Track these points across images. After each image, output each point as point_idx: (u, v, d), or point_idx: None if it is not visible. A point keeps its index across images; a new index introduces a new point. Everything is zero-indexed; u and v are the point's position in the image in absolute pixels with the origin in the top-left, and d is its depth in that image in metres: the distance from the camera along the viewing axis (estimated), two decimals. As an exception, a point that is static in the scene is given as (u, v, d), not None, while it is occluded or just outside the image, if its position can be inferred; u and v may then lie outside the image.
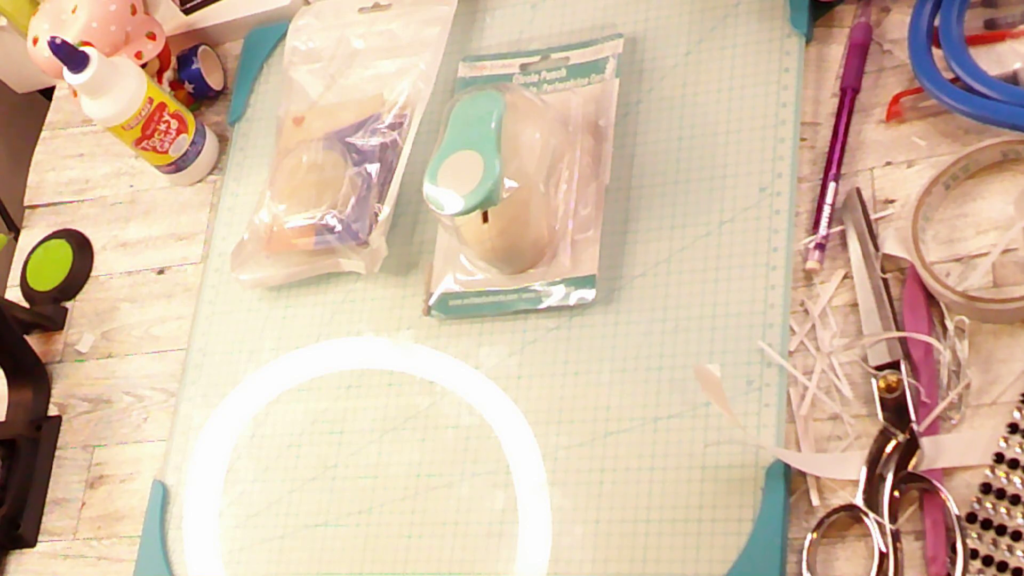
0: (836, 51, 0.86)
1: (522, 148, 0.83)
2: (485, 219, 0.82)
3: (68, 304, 1.07)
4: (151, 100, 1.00)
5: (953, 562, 0.68)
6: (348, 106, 0.97)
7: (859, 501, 0.72)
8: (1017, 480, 0.69)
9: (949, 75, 0.79)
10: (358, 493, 0.86)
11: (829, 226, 0.80)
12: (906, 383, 0.73)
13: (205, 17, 1.12)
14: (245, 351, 0.95)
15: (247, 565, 0.87)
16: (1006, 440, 0.70)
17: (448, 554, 0.81)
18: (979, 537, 0.69)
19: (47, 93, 1.26)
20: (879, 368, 0.75)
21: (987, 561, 0.68)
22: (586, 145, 0.89)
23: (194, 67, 1.08)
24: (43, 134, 1.19)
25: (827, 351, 0.77)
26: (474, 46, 0.99)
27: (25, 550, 0.97)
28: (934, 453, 0.72)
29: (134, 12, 1.05)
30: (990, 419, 0.72)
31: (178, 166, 1.05)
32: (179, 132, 1.03)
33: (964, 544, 0.68)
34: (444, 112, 0.86)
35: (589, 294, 0.84)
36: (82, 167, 1.14)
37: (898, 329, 0.75)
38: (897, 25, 0.85)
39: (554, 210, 0.86)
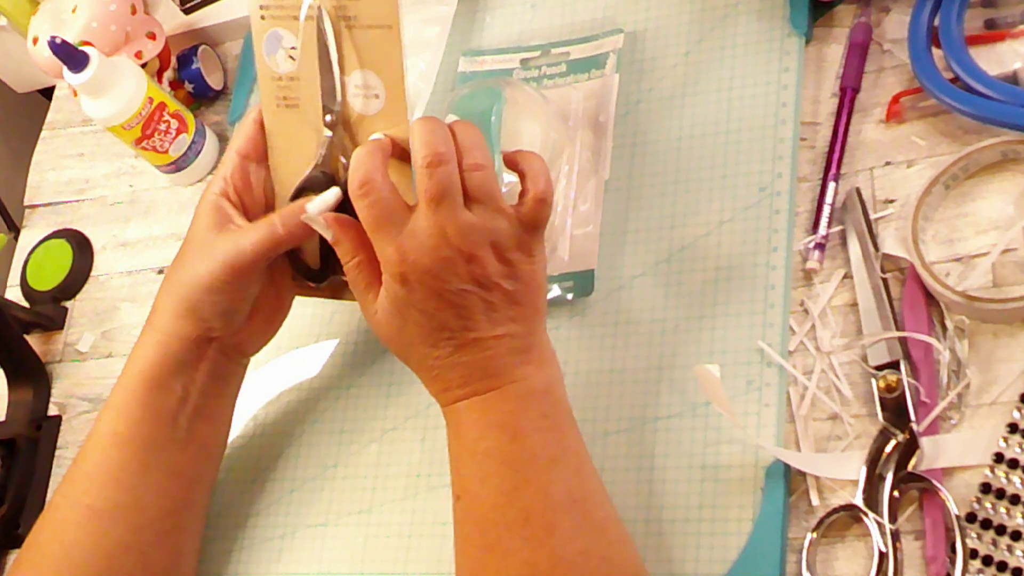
0: (836, 51, 0.86)
1: (522, 143, 0.83)
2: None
3: (68, 304, 1.07)
4: (151, 100, 1.00)
5: (953, 562, 0.68)
6: (348, 106, 0.97)
7: (859, 501, 0.72)
8: (1017, 480, 0.69)
9: (949, 75, 0.79)
10: (358, 493, 0.86)
11: (829, 226, 0.80)
12: (906, 383, 0.73)
13: (205, 17, 1.12)
14: (245, 351, 0.95)
15: (247, 565, 0.87)
16: (1006, 440, 0.70)
17: (448, 554, 0.81)
18: (979, 537, 0.68)
19: (47, 93, 1.26)
20: (879, 368, 0.75)
21: (987, 561, 0.68)
22: (586, 140, 0.88)
23: (194, 67, 1.08)
24: (43, 134, 1.19)
25: (827, 351, 0.77)
26: (474, 46, 0.99)
27: (25, 550, 0.97)
28: (934, 453, 0.72)
29: (134, 12, 1.05)
30: (990, 419, 0.72)
31: (178, 166, 1.05)
32: (179, 132, 1.03)
33: (964, 544, 0.68)
34: (444, 107, 0.86)
35: (588, 289, 0.84)
36: (82, 167, 1.14)
37: (898, 329, 0.75)
38: (897, 25, 0.85)
39: (553, 205, 0.86)
